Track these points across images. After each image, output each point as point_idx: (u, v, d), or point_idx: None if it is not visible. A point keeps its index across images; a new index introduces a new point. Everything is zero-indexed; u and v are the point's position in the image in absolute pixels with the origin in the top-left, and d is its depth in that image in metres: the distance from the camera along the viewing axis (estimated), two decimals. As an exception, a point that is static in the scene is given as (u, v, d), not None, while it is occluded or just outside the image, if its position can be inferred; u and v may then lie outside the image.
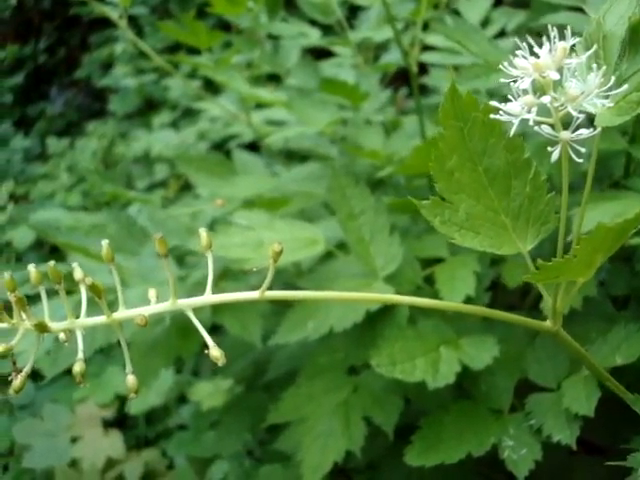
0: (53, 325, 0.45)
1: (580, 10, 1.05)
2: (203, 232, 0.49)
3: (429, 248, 0.97)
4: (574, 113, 0.44)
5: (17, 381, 0.44)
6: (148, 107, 3.34)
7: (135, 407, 1.97)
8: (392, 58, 1.43)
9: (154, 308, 0.47)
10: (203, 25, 1.22)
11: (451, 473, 0.98)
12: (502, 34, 1.50)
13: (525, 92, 0.46)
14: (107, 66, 3.81)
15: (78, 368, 0.45)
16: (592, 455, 1.03)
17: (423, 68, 1.93)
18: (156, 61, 1.36)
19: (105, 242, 0.47)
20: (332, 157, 1.39)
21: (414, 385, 0.93)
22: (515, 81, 0.47)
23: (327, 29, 1.50)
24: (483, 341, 0.86)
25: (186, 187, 2.53)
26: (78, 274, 0.47)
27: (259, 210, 0.99)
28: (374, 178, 1.24)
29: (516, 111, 0.47)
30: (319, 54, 1.76)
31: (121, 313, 0.47)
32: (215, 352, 0.46)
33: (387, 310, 0.89)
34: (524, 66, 0.46)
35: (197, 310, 1.02)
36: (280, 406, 0.98)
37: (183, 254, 1.21)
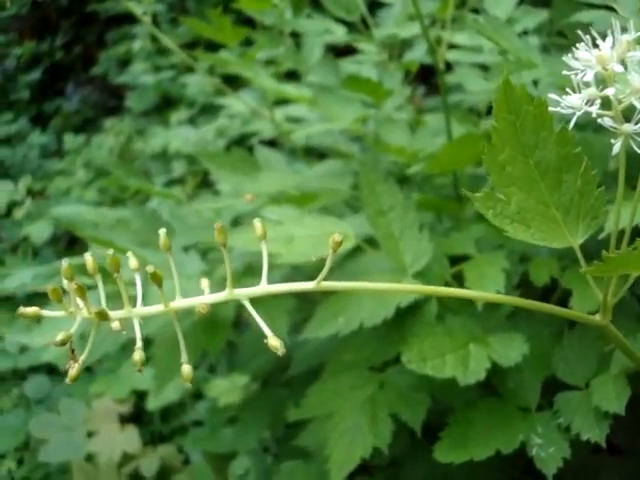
0: (112, 314, 0.45)
1: (607, 8, 1.05)
2: (257, 222, 0.49)
3: (456, 245, 0.97)
4: (638, 105, 0.44)
5: (73, 370, 0.44)
6: (165, 104, 3.35)
7: (152, 403, 1.98)
8: (415, 56, 1.42)
9: (211, 297, 0.47)
10: (229, 20, 1.22)
11: (475, 471, 0.98)
12: (524, 33, 1.49)
13: (587, 85, 0.46)
14: (123, 63, 3.82)
15: (138, 357, 0.45)
16: (614, 455, 1.03)
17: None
18: (179, 56, 1.35)
19: (162, 231, 0.47)
20: (353, 155, 1.39)
21: (439, 382, 0.94)
22: (576, 74, 0.47)
23: (349, 27, 1.50)
24: (511, 339, 0.86)
25: (204, 184, 2.54)
26: (133, 263, 0.47)
27: (287, 205, 0.99)
28: (396, 175, 1.24)
29: (577, 104, 0.47)
30: (339, 53, 1.76)
31: (178, 302, 0.47)
32: (274, 341, 0.45)
33: (416, 307, 0.89)
34: (587, 58, 0.46)
35: (222, 305, 1.02)
36: (306, 402, 0.98)
37: (206, 250, 1.21)
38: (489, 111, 1.37)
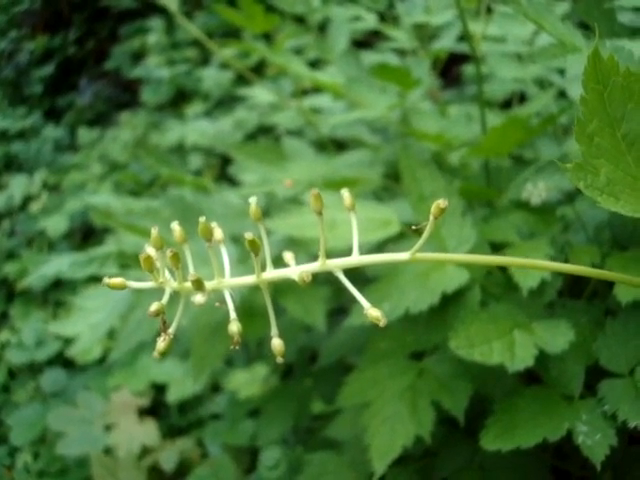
0: (206, 284, 0.44)
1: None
2: (345, 193, 0.48)
3: (497, 232, 0.96)
4: None
5: (162, 344, 0.43)
6: (180, 98, 3.34)
7: (172, 395, 1.98)
8: (444, 45, 1.41)
9: (304, 268, 0.46)
10: (260, 8, 1.21)
11: (512, 460, 0.98)
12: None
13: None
14: (136, 58, 3.82)
15: (235, 328, 0.44)
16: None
17: (459, 58, 1.92)
18: (210, 46, 1.34)
19: (253, 199, 0.46)
20: (378, 145, 1.38)
21: (476, 371, 0.93)
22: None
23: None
24: (556, 325, 0.85)
25: (221, 177, 2.54)
26: (218, 234, 0.46)
27: (327, 191, 0.98)
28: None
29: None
30: (359, 45, 1.76)
31: (270, 273, 0.46)
32: (373, 312, 0.44)
33: (459, 293, 0.88)
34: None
35: (258, 293, 1.01)
36: (344, 390, 0.97)
37: (234, 238, 1.21)
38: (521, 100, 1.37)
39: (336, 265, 0.47)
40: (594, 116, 0.52)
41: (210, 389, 2.08)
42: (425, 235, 0.47)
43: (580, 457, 1.10)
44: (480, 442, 0.82)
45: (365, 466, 1.05)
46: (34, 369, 2.36)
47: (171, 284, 0.44)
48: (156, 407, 2.10)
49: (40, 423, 2.03)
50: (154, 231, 0.43)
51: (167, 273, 0.44)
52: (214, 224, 0.47)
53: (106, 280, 0.42)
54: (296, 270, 0.46)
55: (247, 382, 1.93)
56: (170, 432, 2.03)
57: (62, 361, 2.32)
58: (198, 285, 0.42)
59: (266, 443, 1.58)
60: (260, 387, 1.87)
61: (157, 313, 0.42)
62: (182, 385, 1.99)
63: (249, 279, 0.46)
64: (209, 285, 0.45)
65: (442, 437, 1.03)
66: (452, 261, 0.64)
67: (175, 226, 0.45)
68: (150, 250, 0.44)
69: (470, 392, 0.90)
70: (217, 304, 0.45)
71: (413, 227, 0.47)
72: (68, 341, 2.25)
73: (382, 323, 0.44)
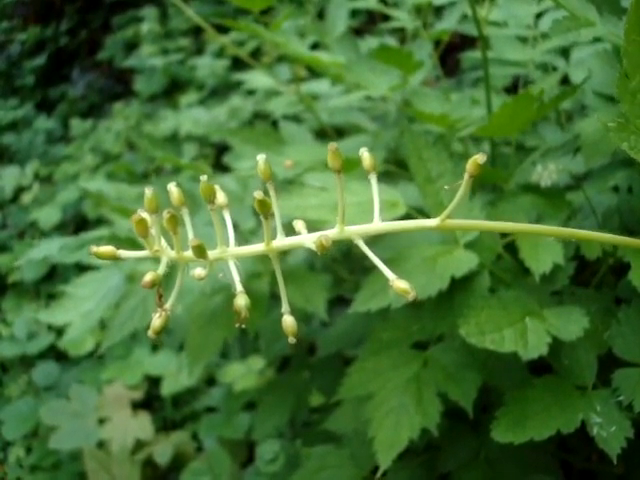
0: (209, 253, 0.40)
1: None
2: (365, 152, 0.44)
3: (505, 216, 0.92)
4: None
5: (158, 320, 0.38)
6: (173, 88, 3.30)
7: (167, 388, 1.95)
8: (446, 26, 1.37)
9: (319, 234, 0.42)
10: (258, -14, 1.17)
11: (520, 454, 0.94)
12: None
13: None
14: (129, 48, 3.77)
15: (243, 301, 0.40)
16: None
17: (456, 47, 1.88)
18: (208, 31, 1.30)
19: (262, 156, 0.42)
20: (378, 131, 1.34)
21: (482, 360, 0.89)
22: None
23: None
24: (569, 313, 0.81)
25: (216, 166, 2.50)
26: (222, 198, 0.43)
27: (329, 173, 0.94)
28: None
29: None
30: (355, 33, 1.72)
31: (280, 241, 0.41)
32: (400, 284, 0.40)
33: (468, 279, 0.85)
34: None
35: (257, 280, 0.97)
36: (346, 381, 0.93)
37: (235, 226, 1.17)
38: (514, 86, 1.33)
39: (355, 232, 0.43)
40: (637, 71, 0.48)
41: (205, 382, 2.05)
42: (458, 196, 0.43)
43: (585, 450, 1.07)
44: (491, 434, 0.79)
45: (367, 460, 1.02)
46: (26, 362, 2.32)
47: (168, 252, 0.39)
48: (150, 400, 2.07)
49: (32, 417, 2.00)
50: (148, 191, 0.39)
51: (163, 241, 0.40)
52: (217, 186, 0.43)
53: (94, 249, 0.38)
54: (312, 236, 0.41)
55: (243, 375, 1.89)
56: (164, 426, 2.00)
57: (54, 354, 2.29)
58: (200, 252, 0.38)
59: (262, 436, 1.55)
60: (256, 380, 1.84)
61: (152, 284, 0.37)
62: (176, 378, 1.96)
63: (257, 248, 0.42)
64: (212, 255, 0.40)
65: (446, 430, 1.00)
66: (481, 228, 0.60)
67: (172, 187, 0.41)
68: (144, 213, 0.39)
69: (479, 383, 0.86)
70: (220, 275, 0.41)
71: (446, 187, 0.43)
72: (60, 334, 2.22)
73: (411, 296, 0.40)
